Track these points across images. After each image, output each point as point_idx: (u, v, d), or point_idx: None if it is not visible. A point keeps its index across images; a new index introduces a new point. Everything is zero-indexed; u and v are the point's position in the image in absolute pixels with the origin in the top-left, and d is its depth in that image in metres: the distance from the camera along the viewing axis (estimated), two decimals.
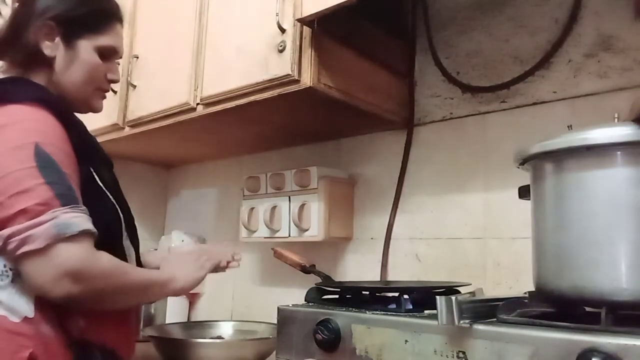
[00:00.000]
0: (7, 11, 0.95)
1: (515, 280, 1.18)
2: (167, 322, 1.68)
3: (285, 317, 0.95)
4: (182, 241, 1.82)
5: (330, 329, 0.85)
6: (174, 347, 1.26)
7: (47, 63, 0.92)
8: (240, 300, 1.80)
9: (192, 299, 1.88)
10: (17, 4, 0.94)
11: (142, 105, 1.52)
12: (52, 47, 0.92)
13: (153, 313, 1.70)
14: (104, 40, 0.96)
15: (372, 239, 1.46)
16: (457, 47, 1.36)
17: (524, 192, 0.88)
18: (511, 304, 0.77)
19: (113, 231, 0.89)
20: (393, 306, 0.90)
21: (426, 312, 0.84)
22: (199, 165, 2.06)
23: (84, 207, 0.80)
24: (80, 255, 0.76)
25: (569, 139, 0.74)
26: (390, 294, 0.97)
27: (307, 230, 1.43)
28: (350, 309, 0.90)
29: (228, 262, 1.14)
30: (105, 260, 0.80)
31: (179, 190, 2.14)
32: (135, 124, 1.55)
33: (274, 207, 1.51)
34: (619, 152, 0.71)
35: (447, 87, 1.37)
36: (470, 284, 1.07)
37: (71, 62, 0.93)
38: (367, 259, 1.46)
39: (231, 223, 1.83)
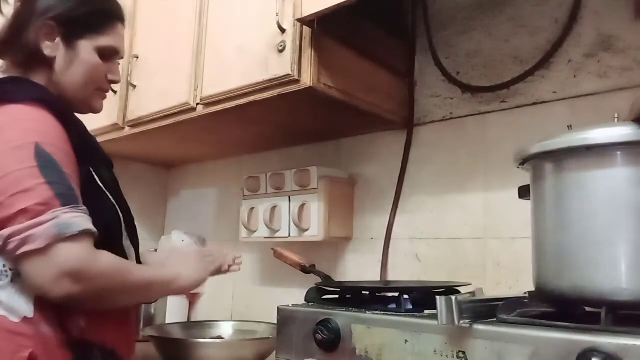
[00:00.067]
0: (9, 10, 0.95)
1: (515, 280, 1.18)
2: (167, 322, 1.68)
3: (285, 317, 0.95)
4: (182, 241, 1.81)
5: (330, 329, 0.85)
6: (174, 347, 1.26)
7: (48, 63, 0.92)
8: (240, 300, 1.80)
9: (192, 299, 1.88)
10: (18, 3, 0.94)
11: (142, 105, 1.52)
12: (53, 47, 0.92)
13: (153, 313, 1.70)
14: (104, 40, 0.96)
15: (372, 239, 1.46)
16: (457, 47, 1.36)
17: (524, 192, 0.88)
18: (511, 304, 0.77)
19: (113, 231, 0.89)
20: (393, 306, 0.90)
21: (426, 312, 0.84)
22: (199, 165, 2.06)
23: (84, 207, 0.80)
24: (81, 255, 0.76)
25: (569, 139, 0.74)
26: (390, 294, 0.97)
27: (307, 230, 1.43)
28: (350, 309, 0.90)
29: (229, 266, 1.13)
30: (106, 260, 0.80)
31: (179, 190, 2.14)
32: (135, 124, 1.55)
33: (274, 207, 1.51)
34: (619, 152, 0.71)
35: (447, 87, 1.37)
36: (470, 284, 1.07)
37: (71, 62, 0.93)
38: (367, 259, 1.46)
39: (231, 223, 1.83)
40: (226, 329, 1.53)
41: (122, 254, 0.89)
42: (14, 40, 0.92)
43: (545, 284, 0.78)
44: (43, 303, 0.79)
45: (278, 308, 0.97)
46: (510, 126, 1.24)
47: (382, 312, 0.85)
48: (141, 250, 1.00)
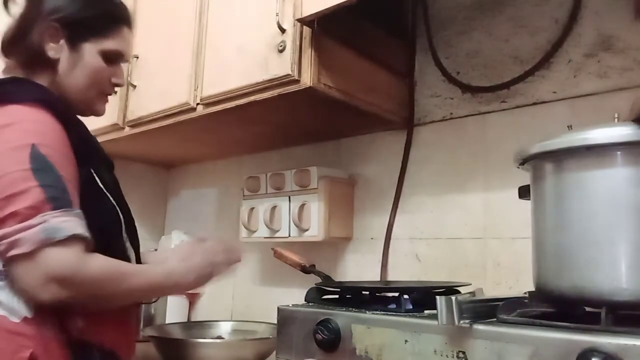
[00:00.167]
0: (16, 10, 0.94)
1: (515, 280, 1.18)
2: (167, 322, 1.68)
3: (285, 317, 0.95)
4: (182, 241, 1.81)
5: (330, 329, 0.85)
6: (174, 347, 1.26)
7: (51, 65, 0.92)
8: (240, 300, 1.80)
9: (192, 299, 1.88)
10: (25, 4, 0.94)
11: (142, 105, 1.52)
12: (57, 49, 0.92)
13: (153, 313, 1.70)
14: (109, 44, 0.96)
15: (372, 239, 1.46)
16: (457, 47, 1.36)
17: (524, 192, 0.88)
18: (511, 304, 0.77)
19: (113, 233, 0.88)
20: (393, 306, 0.90)
21: (426, 312, 0.84)
22: (199, 165, 2.06)
23: (78, 211, 0.79)
24: (69, 260, 0.75)
25: (569, 139, 0.74)
26: (390, 294, 0.97)
27: (307, 230, 1.43)
28: (350, 309, 0.90)
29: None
30: (98, 265, 0.79)
31: (179, 190, 2.14)
32: (135, 124, 1.55)
33: (274, 207, 1.51)
34: (619, 152, 0.71)
35: (447, 87, 1.37)
36: (470, 284, 1.07)
37: (75, 65, 0.93)
38: (367, 259, 1.46)
39: (231, 223, 1.83)
40: (226, 329, 1.53)
41: (122, 255, 0.89)
42: (19, 40, 0.92)
43: (545, 284, 0.78)
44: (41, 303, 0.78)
45: (278, 308, 0.97)
46: (510, 126, 1.24)
47: (382, 312, 0.85)
48: (141, 250, 1.00)
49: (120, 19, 0.99)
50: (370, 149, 1.52)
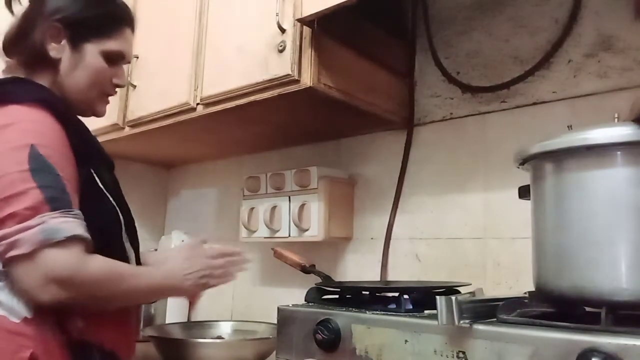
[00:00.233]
0: (19, 10, 0.95)
1: (515, 280, 1.18)
2: (167, 322, 1.68)
3: (285, 317, 0.95)
4: (182, 241, 1.81)
5: (330, 329, 0.85)
6: (174, 347, 1.26)
7: (53, 65, 0.92)
8: (240, 300, 1.80)
9: (192, 298, 1.87)
10: (27, 4, 0.94)
11: (142, 105, 1.52)
12: (58, 49, 0.92)
13: (153, 313, 1.70)
14: (111, 44, 0.96)
15: (372, 239, 1.46)
16: (457, 47, 1.36)
17: (524, 192, 0.88)
18: (511, 304, 0.77)
19: (113, 233, 0.88)
20: (393, 306, 0.90)
21: (426, 312, 0.84)
22: (199, 165, 2.06)
23: (78, 212, 0.79)
24: (69, 261, 0.75)
25: (569, 139, 0.74)
26: (390, 294, 0.97)
27: (307, 230, 1.43)
28: (350, 309, 0.90)
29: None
30: (97, 266, 0.79)
31: (179, 190, 2.14)
32: (135, 124, 1.55)
33: (274, 207, 1.51)
34: (619, 152, 0.71)
35: (447, 87, 1.37)
36: (470, 284, 1.07)
37: (76, 65, 0.93)
38: (367, 259, 1.46)
39: (231, 223, 1.83)
40: (226, 329, 1.53)
41: (122, 255, 0.89)
42: (20, 40, 0.92)
43: (545, 284, 0.78)
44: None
45: (278, 308, 0.97)
46: (510, 126, 1.24)
47: (382, 312, 0.85)
48: (141, 250, 1.00)
49: (122, 20, 0.99)
50: (370, 149, 1.52)
